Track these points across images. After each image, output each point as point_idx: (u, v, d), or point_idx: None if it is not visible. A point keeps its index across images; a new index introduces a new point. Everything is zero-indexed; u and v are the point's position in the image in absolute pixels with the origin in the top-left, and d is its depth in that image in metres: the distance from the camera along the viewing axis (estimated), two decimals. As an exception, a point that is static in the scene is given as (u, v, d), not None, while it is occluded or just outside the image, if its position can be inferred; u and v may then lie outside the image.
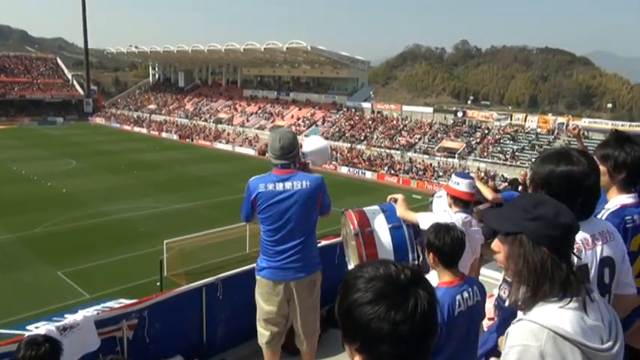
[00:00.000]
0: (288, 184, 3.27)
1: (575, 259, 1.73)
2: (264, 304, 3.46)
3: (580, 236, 1.83)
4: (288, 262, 3.33)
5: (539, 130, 44.25)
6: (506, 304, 1.93)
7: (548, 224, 1.40)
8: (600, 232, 1.97)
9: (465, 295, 2.37)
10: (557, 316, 1.34)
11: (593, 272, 1.92)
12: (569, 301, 1.37)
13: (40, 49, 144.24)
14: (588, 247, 1.89)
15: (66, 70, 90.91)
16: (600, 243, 1.95)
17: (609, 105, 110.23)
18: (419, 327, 1.02)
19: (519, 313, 1.46)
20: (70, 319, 3.60)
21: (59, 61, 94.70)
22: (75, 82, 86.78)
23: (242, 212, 3.50)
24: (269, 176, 3.34)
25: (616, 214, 2.20)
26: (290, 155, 3.33)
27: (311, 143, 3.95)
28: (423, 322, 1.03)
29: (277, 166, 3.34)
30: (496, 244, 1.53)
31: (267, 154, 3.51)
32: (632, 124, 40.26)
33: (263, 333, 3.53)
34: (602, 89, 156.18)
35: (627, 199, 2.31)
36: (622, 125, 41.27)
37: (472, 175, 3.67)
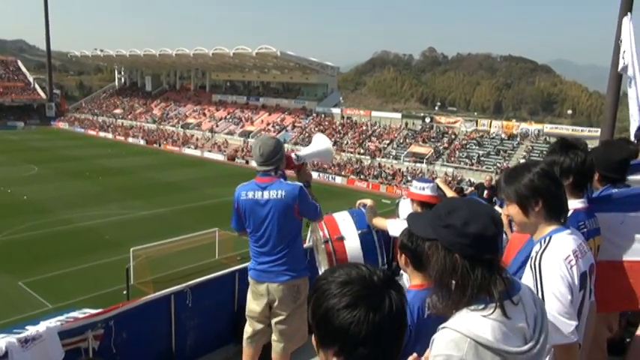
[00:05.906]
0: (265, 193, 3.32)
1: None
2: (250, 301, 3.58)
3: (572, 247, 1.88)
4: (269, 266, 3.42)
5: (503, 136, 45.49)
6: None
7: (456, 232, 1.40)
8: (583, 241, 1.99)
9: None
10: (479, 324, 1.34)
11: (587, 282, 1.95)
12: (493, 308, 1.36)
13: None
14: (580, 257, 1.90)
15: (27, 73, 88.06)
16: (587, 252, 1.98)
17: (569, 111, 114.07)
18: (396, 326, 1.08)
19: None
20: (32, 330, 3.49)
21: (20, 63, 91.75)
22: (37, 86, 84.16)
23: (232, 222, 3.57)
24: (250, 184, 3.40)
25: (571, 219, 2.17)
26: (271, 161, 3.33)
27: (314, 144, 3.91)
28: (398, 321, 1.08)
29: (259, 173, 3.38)
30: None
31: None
32: (592, 129, 41.63)
33: (247, 329, 3.64)
34: (563, 96, 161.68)
35: (578, 203, 2.35)
36: (582, 130, 42.79)
37: (437, 180, 3.72)
